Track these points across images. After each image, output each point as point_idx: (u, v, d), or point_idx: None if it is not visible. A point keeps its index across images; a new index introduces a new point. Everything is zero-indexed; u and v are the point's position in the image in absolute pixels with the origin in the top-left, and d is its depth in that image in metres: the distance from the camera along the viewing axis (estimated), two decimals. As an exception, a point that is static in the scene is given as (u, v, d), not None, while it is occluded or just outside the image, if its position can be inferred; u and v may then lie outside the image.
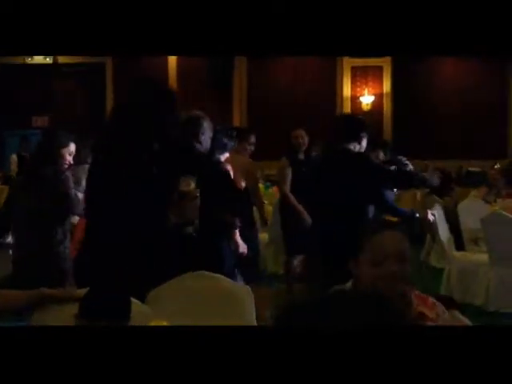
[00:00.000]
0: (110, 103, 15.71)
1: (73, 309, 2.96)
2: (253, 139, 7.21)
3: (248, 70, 15.35)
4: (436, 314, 2.74)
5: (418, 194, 10.62)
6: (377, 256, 2.65)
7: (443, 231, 7.88)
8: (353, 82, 14.76)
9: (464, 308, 6.92)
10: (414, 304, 2.74)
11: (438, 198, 8.69)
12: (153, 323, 2.27)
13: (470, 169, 12.37)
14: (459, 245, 7.98)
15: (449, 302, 3.01)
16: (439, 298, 2.98)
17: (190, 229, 4.05)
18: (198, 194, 3.81)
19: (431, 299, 2.78)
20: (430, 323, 2.71)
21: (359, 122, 5.94)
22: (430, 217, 7.19)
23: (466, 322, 2.97)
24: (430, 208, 8.12)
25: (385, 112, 14.62)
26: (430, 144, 13.87)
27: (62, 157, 5.62)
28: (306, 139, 7.62)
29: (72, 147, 5.70)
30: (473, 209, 8.19)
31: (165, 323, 2.30)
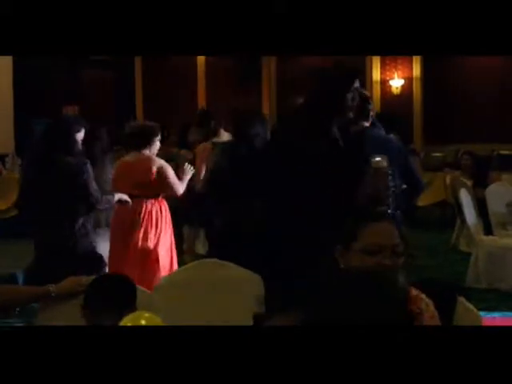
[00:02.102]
0: (139, 97, 15.78)
1: (78, 301, 2.98)
2: None
3: (277, 62, 15.32)
4: (419, 308, 2.67)
5: (448, 177, 10.50)
6: (371, 246, 2.60)
7: (470, 215, 7.80)
8: (382, 66, 14.65)
9: (491, 292, 6.90)
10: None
11: (465, 181, 8.58)
12: (143, 319, 2.25)
13: (502, 152, 12.23)
14: (488, 229, 7.90)
15: (454, 290, 2.96)
16: (444, 286, 2.93)
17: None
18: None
19: (415, 291, 2.72)
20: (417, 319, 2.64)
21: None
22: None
23: (473, 312, 2.90)
24: (458, 191, 8.05)
25: (415, 96, 14.49)
26: (461, 128, 13.71)
27: (77, 143, 5.61)
28: None
29: (82, 133, 5.70)
30: (501, 193, 8.09)
31: (159, 321, 2.28)
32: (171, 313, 3.09)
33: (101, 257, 5.81)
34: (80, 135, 5.67)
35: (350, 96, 3.80)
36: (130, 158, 6.16)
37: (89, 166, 5.57)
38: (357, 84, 3.88)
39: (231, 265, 3.36)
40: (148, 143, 6.06)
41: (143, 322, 2.23)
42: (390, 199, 3.83)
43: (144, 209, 6.00)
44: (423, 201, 11.59)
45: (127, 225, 5.98)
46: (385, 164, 3.63)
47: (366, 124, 5.73)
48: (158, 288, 3.36)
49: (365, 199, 3.65)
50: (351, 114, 3.85)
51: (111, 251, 5.98)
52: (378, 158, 3.62)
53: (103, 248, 5.93)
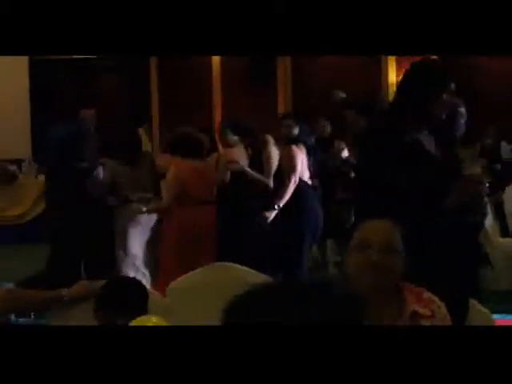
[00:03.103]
0: (155, 99, 15.78)
1: (90, 305, 2.99)
2: None
3: (292, 63, 15.28)
4: (431, 311, 2.65)
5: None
6: (361, 242, 2.60)
7: (487, 217, 7.74)
8: (398, 69, 14.58)
9: (511, 294, 6.84)
10: (406, 301, 2.66)
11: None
12: (150, 323, 2.25)
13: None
14: (505, 231, 7.83)
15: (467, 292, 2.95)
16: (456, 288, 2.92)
17: (478, 217, 3.67)
18: (485, 180, 3.54)
19: (426, 294, 2.70)
20: (424, 322, 2.62)
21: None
22: None
23: (486, 314, 2.89)
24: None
25: (430, 98, 14.44)
26: (477, 128, 13.61)
27: (94, 148, 5.68)
28: (328, 128, 7.95)
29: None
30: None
31: (164, 323, 2.28)
32: (183, 316, 3.09)
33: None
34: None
35: (445, 97, 3.67)
36: (196, 164, 6.31)
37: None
38: (452, 85, 3.73)
39: (243, 268, 3.36)
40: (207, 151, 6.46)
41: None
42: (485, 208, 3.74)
43: (215, 213, 6.34)
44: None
45: (201, 229, 6.18)
46: (479, 170, 3.46)
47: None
48: (170, 291, 3.37)
49: (456, 207, 3.45)
50: (443, 115, 3.71)
51: (175, 255, 6.10)
52: (473, 165, 3.44)
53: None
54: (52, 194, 5.78)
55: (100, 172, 5.70)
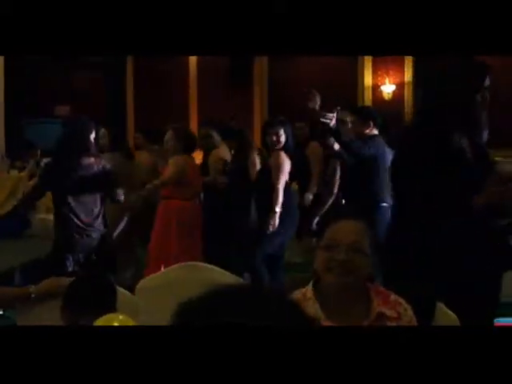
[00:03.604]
0: (130, 98, 15.74)
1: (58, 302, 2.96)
2: None
3: (269, 63, 15.29)
4: (397, 312, 2.67)
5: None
6: (329, 242, 2.63)
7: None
8: (374, 72, 14.66)
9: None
10: (373, 303, 2.68)
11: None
12: (117, 321, 2.24)
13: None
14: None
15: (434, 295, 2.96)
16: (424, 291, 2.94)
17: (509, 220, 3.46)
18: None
19: (393, 296, 2.72)
20: (390, 324, 2.64)
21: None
22: None
23: (452, 317, 2.90)
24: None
25: (406, 101, 14.49)
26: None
27: (93, 145, 5.71)
28: (306, 130, 8.06)
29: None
30: None
31: (132, 323, 2.26)
32: (152, 315, 3.08)
33: None
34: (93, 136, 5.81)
35: (479, 96, 3.58)
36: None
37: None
38: (487, 82, 3.61)
39: (214, 268, 3.36)
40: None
41: (116, 324, 2.22)
42: None
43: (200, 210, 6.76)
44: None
45: (197, 221, 6.54)
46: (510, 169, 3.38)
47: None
48: (139, 290, 3.36)
49: (486, 209, 3.36)
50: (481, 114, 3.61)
51: (176, 245, 6.35)
52: (504, 162, 3.34)
53: None
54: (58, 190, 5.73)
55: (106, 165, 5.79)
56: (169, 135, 6.57)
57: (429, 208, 3.41)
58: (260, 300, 1.32)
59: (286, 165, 6.53)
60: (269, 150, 6.69)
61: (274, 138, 6.51)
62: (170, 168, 6.50)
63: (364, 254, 2.62)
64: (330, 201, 7.18)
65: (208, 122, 8.07)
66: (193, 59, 15.27)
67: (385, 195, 6.06)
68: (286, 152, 6.56)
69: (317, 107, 5.93)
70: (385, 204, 6.01)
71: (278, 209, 6.37)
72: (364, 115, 6.43)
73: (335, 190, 7.20)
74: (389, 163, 6.01)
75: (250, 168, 6.99)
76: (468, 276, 3.35)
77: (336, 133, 5.80)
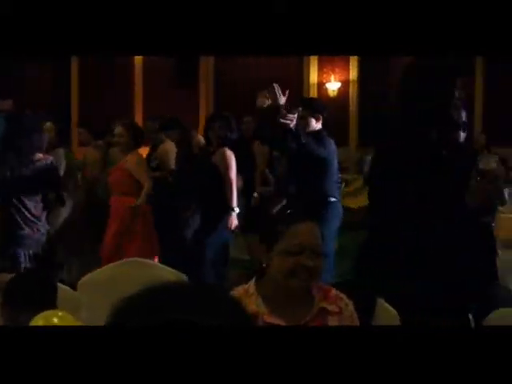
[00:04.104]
0: (75, 96, 15.60)
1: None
2: None
3: (215, 62, 15.28)
4: (338, 307, 2.70)
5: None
6: (292, 246, 2.62)
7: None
8: (319, 69, 14.73)
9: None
10: (315, 298, 2.71)
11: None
12: (56, 318, 2.22)
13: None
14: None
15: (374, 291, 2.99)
16: (365, 287, 2.96)
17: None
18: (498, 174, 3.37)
19: (334, 291, 2.75)
20: (331, 319, 2.68)
21: None
22: None
23: (392, 312, 2.93)
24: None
25: (351, 99, 14.61)
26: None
27: (44, 141, 5.67)
28: (253, 125, 7.99)
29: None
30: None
31: (71, 319, 2.24)
32: (94, 311, 3.06)
33: None
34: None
35: (454, 97, 3.53)
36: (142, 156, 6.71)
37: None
38: (460, 83, 3.58)
39: (156, 264, 3.35)
40: None
41: (55, 321, 2.20)
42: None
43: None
44: (358, 203, 11.69)
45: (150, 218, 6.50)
46: (495, 165, 3.35)
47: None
48: (80, 286, 3.33)
49: (471, 206, 3.33)
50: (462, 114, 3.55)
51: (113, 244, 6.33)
52: (487, 159, 3.33)
53: None
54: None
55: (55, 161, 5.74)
56: (120, 130, 6.50)
57: (412, 207, 3.38)
58: (200, 297, 1.32)
59: (233, 161, 6.48)
60: (211, 146, 6.63)
61: (216, 134, 6.46)
62: (141, 173, 6.51)
63: (322, 256, 2.66)
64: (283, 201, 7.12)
65: (155, 117, 8.05)
66: (138, 58, 15.18)
67: (334, 190, 6.08)
68: (229, 147, 6.51)
69: (265, 106, 5.90)
70: (333, 199, 6.03)
71: (236, 208, 6.34)
72: (313, 108, 6.25)
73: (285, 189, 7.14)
74: (334, 158, 6.07)
75: (195, 150, 6.99)
76: (457, 274, 3.35)
77: (295, 134, 5.65)
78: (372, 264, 3.41)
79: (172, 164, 7.16)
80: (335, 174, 6.20)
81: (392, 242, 3.41)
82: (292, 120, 5.39)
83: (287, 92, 5.52)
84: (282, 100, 5.47)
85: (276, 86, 5.43)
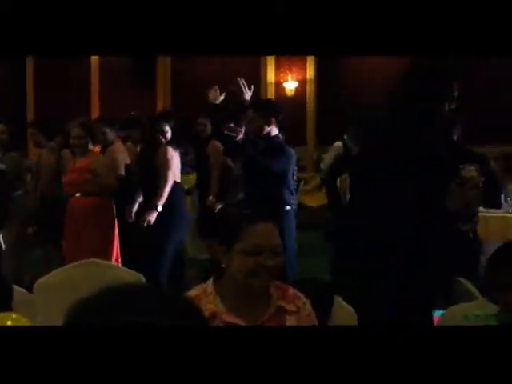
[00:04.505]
0: (30, 97, 15.46)
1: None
2: None
3: (172, 62, 15.25)
4: (296, 306, 2.72)
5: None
6: (252, 246, 2.63)
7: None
8: (277, 68, 14.77)
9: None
10: (273, 297, 2.73)
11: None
12: (9, 320, 2.19)
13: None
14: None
15: (332, 289, 3.01)
16: (322, 285, 2.98)
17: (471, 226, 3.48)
18: (481, 181, 3.29)
19: (292, 290, 2.77)
20: (289, 318, 2.70)
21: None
22: None
23: (349, 310, 2.95)
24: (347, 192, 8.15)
25: (308, 98, 14.67)
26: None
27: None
28: (209, 127, 7.89)
29: None
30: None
31: (25, 321, 2.22)
32: (50, 313, 3.04)
33: None
34: None
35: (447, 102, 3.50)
36: None
37: None
38: (456, 90, 3.52)
39: (113, 264, 3.33)
40: None
41: (9, 323, 2.18)
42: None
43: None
44: (316, 202, 11.76)
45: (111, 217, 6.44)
46: (476, 174, 3.28)
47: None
48: (37, 287, 3.30)
49: (451, 212, 3.32)
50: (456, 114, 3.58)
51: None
52: (469, 167, 3.27)
53: None
54: None
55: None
56: (78, 132, 6.43)
57: (403, 207, 3.35)
58: (156, 297, 1.32)
59: (174, 161, 6.34)
60: (154, 146, 6.46)
61: (160, 134, 6.34)
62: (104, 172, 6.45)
63: (282, 254, 2.67)
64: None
65: (102, 119, 7.96)
66: (95, 58, 15.09)
67: (289, 199, 5.91)
68: (173, 147, 6.38)
69: (218, 102, 5.81)
70: (288, 207, 5.92)
71: (159, 207, 6.21)
72: (264, 110, 5.88)
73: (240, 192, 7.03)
74: (291, 164, 5.94)
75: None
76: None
77: (243, 146, 5.48)
78: (351, 263, 3.40)
79: (121, 165, 7.03)
80: (291, 181, 6.01)
81: (375, 241, 3.41)
82: (238, 134, 5.25)
83: (252, 87, 5.45)
84: (248, 95, 5.38)
85: (241, 79, 5.34)
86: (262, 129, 5.76)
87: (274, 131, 5.88)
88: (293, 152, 5.95)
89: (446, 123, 3.59)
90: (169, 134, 6.38)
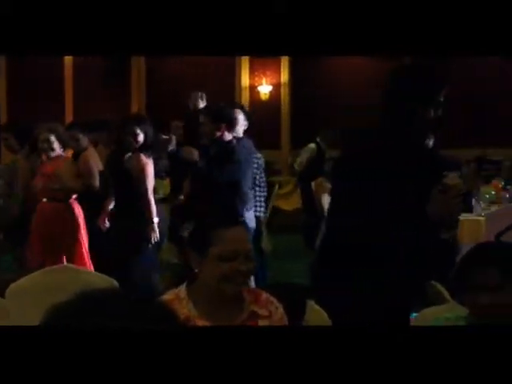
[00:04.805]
0: (2, 97, 15.35)
1: None
2: None
3: (147, 63, 15.20)
4: (268, 311, 2.73)
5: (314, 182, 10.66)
6: (227, 252, 2.63)
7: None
8: (251, 72, 14.77)
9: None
10: (246, 302, 2.74)
11: (328, 186, 8.73)
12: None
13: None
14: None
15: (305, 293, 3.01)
16: (295, 289, 2.99)
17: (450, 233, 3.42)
18: (464, 188, 3.29)
19: (265, 295, 2.78)
20: (261, 322, 2.71)
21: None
22: None
23: (322, 314, 2.97)
24: (321, 196, 8.16)
25: (282, 101, 14.68)
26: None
27: None
28: (181, 130, 7.81)
29: None
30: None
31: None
32: (20, 318, 3.02)
33: None
34: None
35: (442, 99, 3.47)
36: None
37: None
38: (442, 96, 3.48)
39: (86, 270, 3.32)
40: None
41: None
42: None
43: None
44: (291, 205, 11.78)
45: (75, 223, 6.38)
46: (460, 181, 3.26)
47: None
48: (9, 292, 3.28)
49: (433, 219, 3.25)
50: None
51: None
52: (453, 174, 3.24)
53: None
54: None
55: None
56: (47, 136, 6.36)
57: (386, 209, 3.29)
58: (130, 302, 1.32)
59: (150, 168, 5.98)
60: (124, 152, 6.07)
61: (131, 138, 5.92)
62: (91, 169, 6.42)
63: (253, 260, 2.69)
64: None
65: (74, 125, 7.83)
66: (69, 58, 15.01)
67: (241, 208, 5.80)
68: (146, 154, 6.00)
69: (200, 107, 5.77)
70: (248, 208, 5.85)
71: (156, 219, 5.90)
72: (212, 116, 5.81)
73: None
74: (246, 172, 5.80)
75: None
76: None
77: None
78: (333, 264, 3.38)
79: (94, 172, 6.92)
80: (244, 190, 5.84)
81: (363, 243, 3.38)
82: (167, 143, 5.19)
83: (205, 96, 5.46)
84: (202, 104, 5.36)
85: (198, 93, 5.35)
86: (213, 134, 5.74)
87: (227, 136, 5.81)
88: (253, 158, 5.83)
89: (430, 127, 3.56)
90: (140, 138, 5.99)
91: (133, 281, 5.85)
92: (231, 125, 5.81)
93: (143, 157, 5.94)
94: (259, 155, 6.71)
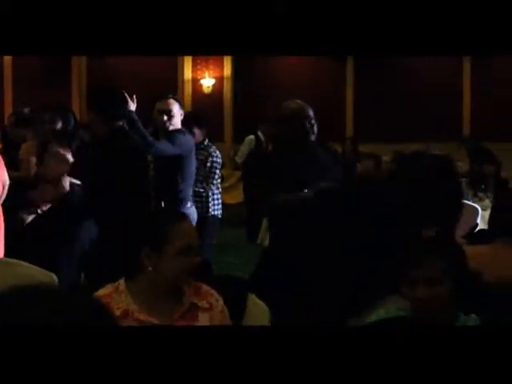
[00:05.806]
0: None
1: None
2: None
3: (87, 62, 15.08)
4: (209, 303, 2.75)
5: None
6: (185, 246, 2.65)
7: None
8: (193, 65, 14.74)
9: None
10: (186, 294, 2.74)
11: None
12: None
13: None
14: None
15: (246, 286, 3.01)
16: (236, 282, 2.98)
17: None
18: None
19: (205, 287, 2.79)
20: (202, 314, 2.72)
21: None
22: None
23: (262, 307, 2.96)
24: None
25: (225, 95, 14.70)
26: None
27: None
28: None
29: None
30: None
31: None
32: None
33: None
34: None
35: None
36: None
37: None
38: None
39: (22, 263, 3.26)
40: None
41: None
42: None
43: None
44: (235, 199, 11.78)
45: None
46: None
47: None
48: None
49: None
50: None
51: None
52: None
53: None
54: None
55: None
56: None
57: None
58: (63, 297, 1.30)
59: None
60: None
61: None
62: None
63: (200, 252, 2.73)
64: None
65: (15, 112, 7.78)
66: (8, 58, 14.82)
67: (189, 195, 5.75)
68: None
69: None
70: (189, 204, 5.78)
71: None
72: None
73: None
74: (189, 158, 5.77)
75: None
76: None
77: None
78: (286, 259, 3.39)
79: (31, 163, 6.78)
80: (184, 184, 5.73)
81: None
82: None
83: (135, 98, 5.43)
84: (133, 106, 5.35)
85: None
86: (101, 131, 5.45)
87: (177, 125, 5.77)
88: (191, 147, 5.76)
89: None
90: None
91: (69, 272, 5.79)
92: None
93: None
94: (217, 153, 6.71)
